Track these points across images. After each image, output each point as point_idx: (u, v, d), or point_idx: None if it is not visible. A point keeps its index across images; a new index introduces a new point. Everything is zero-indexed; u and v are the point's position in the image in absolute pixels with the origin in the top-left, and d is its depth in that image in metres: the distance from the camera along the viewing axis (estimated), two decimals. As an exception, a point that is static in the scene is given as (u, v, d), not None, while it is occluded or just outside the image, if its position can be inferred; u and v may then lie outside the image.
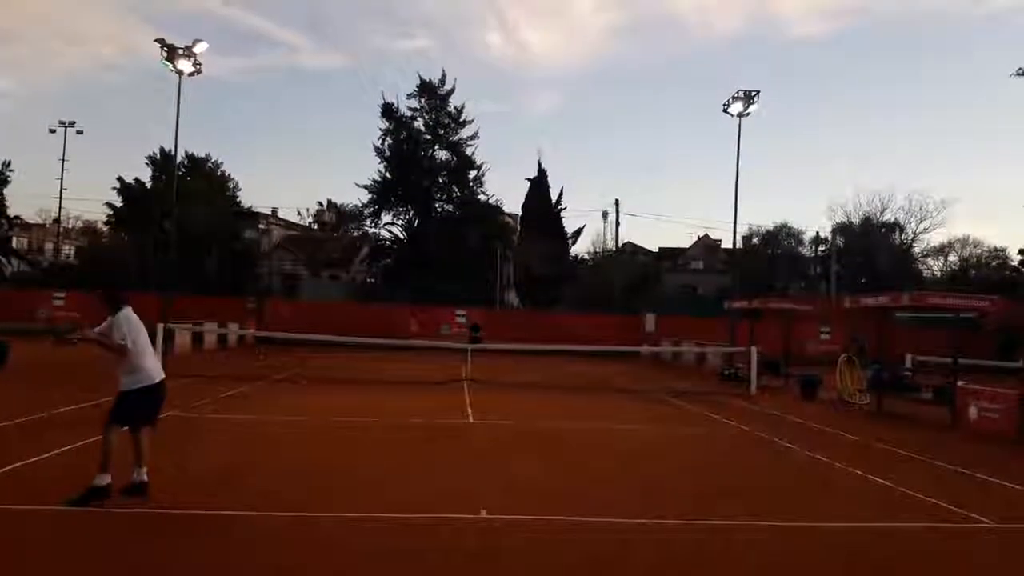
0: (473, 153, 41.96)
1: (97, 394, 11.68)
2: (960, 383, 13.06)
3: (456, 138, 41.76)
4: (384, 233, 43.56)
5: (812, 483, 7.92)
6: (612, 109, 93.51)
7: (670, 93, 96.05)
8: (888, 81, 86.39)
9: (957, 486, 7.88)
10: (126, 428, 5.69)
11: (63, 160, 43.21)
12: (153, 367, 5.83)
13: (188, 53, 25.72)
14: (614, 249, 43.99)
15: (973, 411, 12.40)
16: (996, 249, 46.95)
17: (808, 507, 6.65)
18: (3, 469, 6.44)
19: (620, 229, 41.58)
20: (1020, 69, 33.39)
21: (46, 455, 7.11)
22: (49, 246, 55.16)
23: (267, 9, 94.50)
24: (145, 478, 5.67)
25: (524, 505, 6.13)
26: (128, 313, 5.78)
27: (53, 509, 5.32)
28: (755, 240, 49.80)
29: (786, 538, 5.67)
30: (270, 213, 53.89)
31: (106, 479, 5.42)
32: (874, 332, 15.75)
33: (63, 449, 7.41)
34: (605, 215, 44.49)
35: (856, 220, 47.38)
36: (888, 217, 46.94)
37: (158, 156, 43.87)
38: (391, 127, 41.26)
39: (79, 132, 43.06)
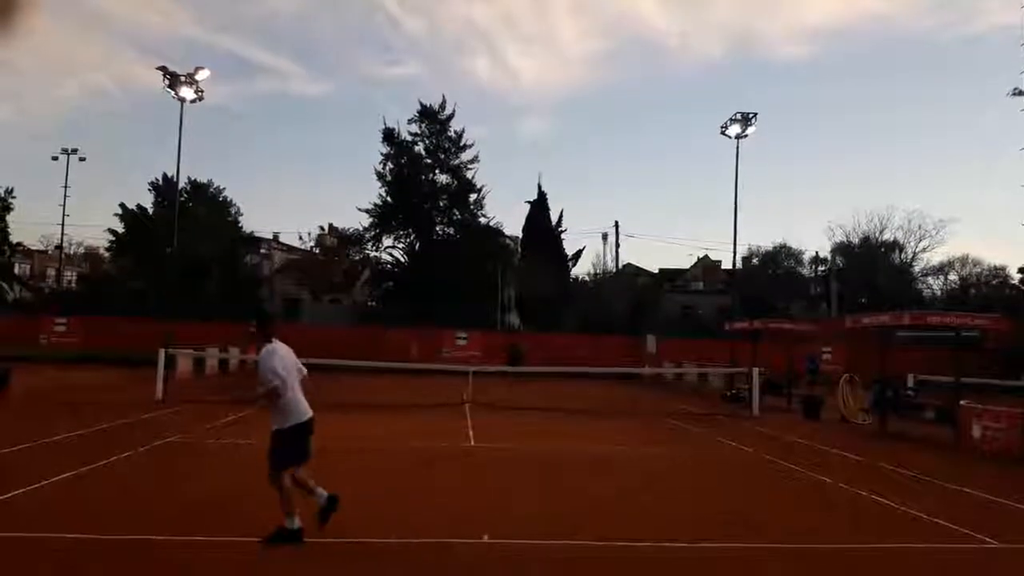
0: (473, 177, 42.32)
1: (98, 420, 11.69)
2: (963, 402, 13.01)
3: (456, 162, 42.10)
4: (385, 256, 43.77)
5: (815, 504, 7.86)
6: (610, 132, 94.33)
7: (668, 116, 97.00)
8: (886, 101, 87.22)
9: (960, 506, 7.83)
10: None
11: (65, 187, 43.60)
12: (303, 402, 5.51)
13: (190, 80, 26.12)
14: (614, 270, 44.10)
15: (977, 430, 12.32)
16: (996, 268, 47.00)
17: (811, 528, 6.61)
18: (1, 497, 6.42)
19: (620, 250, 41.81)
20: (1016, 89, 33.78)
21: (43, 483, 7.08)
22: (51, 272, 55.33)
23: (259, 39, 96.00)
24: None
25: (526, 530, 6.07)
26: (276, 346, 5.45)
27: (48, 537, 5.29)
28: (755, 260, 49.94)
29: (789, 560, 5.62)
30: (271, 238, 54.10)
31: (296, 522, 5.28)
32: (875, 352, 15.71)
33: (62, 476, 7.38)
34: (605, 237, 44.69)
35: (855, 240, 47.53)
36: (887, 236, 47.08)
37: (161, 182, 44.19)
38: (392, 152, 41.62)
39: (82, 159, 43.48)
